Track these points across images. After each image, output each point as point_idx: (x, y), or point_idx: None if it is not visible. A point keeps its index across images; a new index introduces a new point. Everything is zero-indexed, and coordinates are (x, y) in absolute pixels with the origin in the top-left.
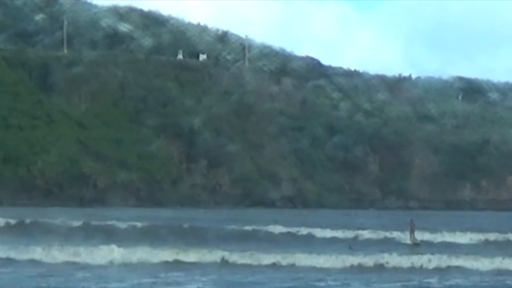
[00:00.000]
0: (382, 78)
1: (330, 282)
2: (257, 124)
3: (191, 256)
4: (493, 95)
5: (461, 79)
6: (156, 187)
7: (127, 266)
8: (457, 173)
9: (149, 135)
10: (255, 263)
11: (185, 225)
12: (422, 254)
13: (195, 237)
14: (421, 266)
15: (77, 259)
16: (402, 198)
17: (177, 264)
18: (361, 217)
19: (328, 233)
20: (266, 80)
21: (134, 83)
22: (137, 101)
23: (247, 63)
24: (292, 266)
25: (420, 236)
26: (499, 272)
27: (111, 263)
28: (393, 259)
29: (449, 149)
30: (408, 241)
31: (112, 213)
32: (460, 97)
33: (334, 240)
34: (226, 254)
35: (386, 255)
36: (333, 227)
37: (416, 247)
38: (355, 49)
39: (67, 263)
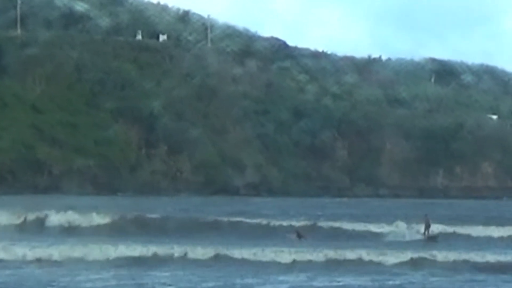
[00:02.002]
0: (350, 60)
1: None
2: (219, 108)
3: (150, 250)
4: (467, 78)
5: (433, 60)
6: (114, 174)
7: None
8: (429, 159)
9: (106, 120)
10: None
11: (145, 215)
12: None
13: (154, 229)
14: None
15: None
16: (371, 185)
17: (135, 260)
18: (338, 206)
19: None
20: (229, 61)
21: (91, 65)
22: (94, 84)
23: (209, 44)
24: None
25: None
26: None
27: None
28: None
29: (421, 134)
30: (420, 236)
31: (68, 201)
32: (432, 80)
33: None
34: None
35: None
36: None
37: (432, 242)
38: (322, 29)
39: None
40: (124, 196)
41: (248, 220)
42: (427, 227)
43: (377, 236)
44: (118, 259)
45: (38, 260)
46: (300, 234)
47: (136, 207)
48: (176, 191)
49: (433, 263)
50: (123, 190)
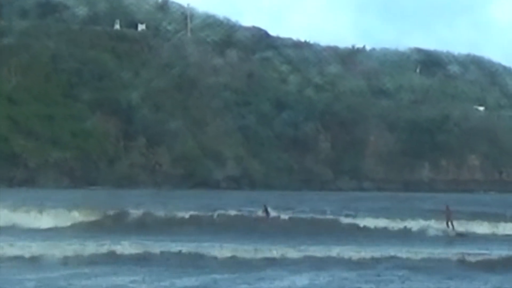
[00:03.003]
0: (334, 50)
1: None
2: (200, 99)
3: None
4: (453, 68)
5: (419, 51)
6: (91, 167)
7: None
8: (414, 152)
9: (83, 111)
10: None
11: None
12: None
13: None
14: None
15: None
16: (355, 178)
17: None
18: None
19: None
20: (210, 52)
21: (68, 55)
22: (70, 74)
23: (189, 34)
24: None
25: None
26: None
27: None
28: None
29: (406, 126)
30: (449, 232)
31: (42, 195)
32: (418, 70)
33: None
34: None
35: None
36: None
37: (460, 238)
38: (305, 19)
39: None
40: (101, 190)
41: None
42: (450, 220)
43: (405, 232)
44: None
45: None
46: (267, 210)
47: (114, 201)
48: (155, 185)
49: None
50: (101, 183)
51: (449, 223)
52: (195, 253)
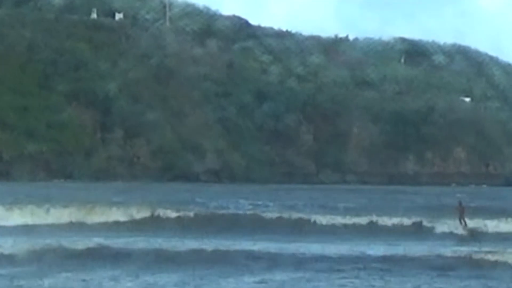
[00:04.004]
0: (316, 40)
1: None
2: (179, 90)
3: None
4: (439, 58)
5: (403, 40)
6: (67, 160)
7: None
8: (399, 144)
9: (59, 102)
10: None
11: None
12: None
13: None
14: None
15: None
16: (338, 171)
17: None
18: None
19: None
20: (189, 41)
21: (43, 45)
22: (46, 64)
23: (167, 23)
24: None
25: None
26: None
27: None
28: None
29: (391, 117)
30: (461, 231)
31: (17, 188)
32: (402, 61)
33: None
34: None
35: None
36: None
37: (472, 235)
38: (286, 8)
39: None
40: (78, 183)
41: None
42: (463, 217)
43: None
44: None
45: None
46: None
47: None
48: (133, 178)
49: None
50: (77, 176)
51: (462, 220)
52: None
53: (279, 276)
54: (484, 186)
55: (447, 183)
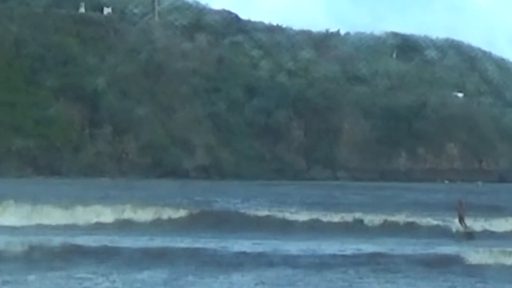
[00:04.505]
0: (307, 34)
1: None
2: (168, 85)
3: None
4: (431, 53)
5: (395, 35)
6: (55, 155)
7: None
8: (391, 140)
9: (47, 98)
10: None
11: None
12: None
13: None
14: None
15: None
16: (329, 167)
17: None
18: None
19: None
20: (178, 36)
21: (31, 40)
22: (34, 59)
23: (156, 18)
24: None
25: None
26: None
27: None
28: None
29: (382, 113)
30: (460, 229)
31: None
32: (394, 55)
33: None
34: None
35: None
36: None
37: (470, 237)
38: (277, 2)
39: None
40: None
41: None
42: (462, 217)
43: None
44: None
45: None
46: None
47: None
48: (121, 174)
49: None
50: (65, 173)
51: (462, 222)
52: None
53: (270, 273)
54: (480, 182)
55: (440, 180)
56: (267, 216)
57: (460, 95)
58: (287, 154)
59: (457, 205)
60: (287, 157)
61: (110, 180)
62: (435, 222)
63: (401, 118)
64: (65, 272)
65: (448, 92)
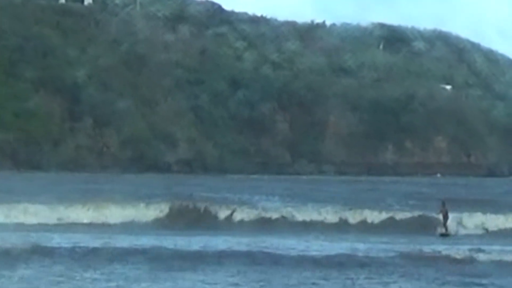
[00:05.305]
0: (292, 25)
1: None
2: (150, 77)
3: None
4: (419, 45)
5: (382, 26)
6: (35, 149)
7: None
8: (378, 133)
9: (26, 90)
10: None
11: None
12: None
13: None
14: None
15: None
16: (315, 161)
17: None
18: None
19: None
20: (160, 27)
21: (10, 31)
22: (12, 51)
23: (138, 8)
24: None
25: None
26: None
27: None
28: None
29: (369, 106)
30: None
31: None
32: (381, 47)
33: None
34: None
35: None
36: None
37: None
38: None
39: None
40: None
41: None
42: (446, 217)
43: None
44: None
45: None
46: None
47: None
48: (102, 168)
49: None
50: (45, 167)
51: (444, 225)
52: None
53: (253, 273)
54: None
55: (428, 174)
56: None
57: (448, 87)
58: (271, 148)
59: (440, 207)
60: (271, 150)
61: (90, 175)
62: (416, 217)
63: (388, 111)
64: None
65: (436, 85)
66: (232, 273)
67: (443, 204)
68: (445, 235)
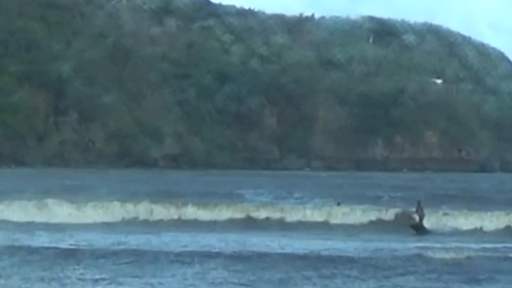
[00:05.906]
0: (280, 18)
1: None
2: (136, 71)
3: None
4: (409, 38)
5: (371, 19)
6: (19, 144)
7: None
8: (367, 128)
9: (10, 84)
10: None
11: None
12: None
13: None
14: None
15: None
16: (303, 157)
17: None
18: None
19: None
20: (146, 20)
21: None
22: None
23: (124, 1)
24: None
25: None
26: None
27: None
28: None
29: (358, 100)
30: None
31: None
32: (370, 40)
33: None
34: None
35: None
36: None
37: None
38: None
39: None
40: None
41: None
42: (422, 216)
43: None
44: None
45: None
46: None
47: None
48: (87, 163)
49: None
50: (29, 162)
51: (420, 220)
52: None
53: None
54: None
55: (418, 169)
56: None
57: (439, 81)
58: (259, 143)
59: (416, 207)
60: (259, 145)
61: (75, 170)
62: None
63: (377, 105)
64: None
65: (427, 78)
66: (219, 272)
67: (419, 203)
68: (419, 228)
